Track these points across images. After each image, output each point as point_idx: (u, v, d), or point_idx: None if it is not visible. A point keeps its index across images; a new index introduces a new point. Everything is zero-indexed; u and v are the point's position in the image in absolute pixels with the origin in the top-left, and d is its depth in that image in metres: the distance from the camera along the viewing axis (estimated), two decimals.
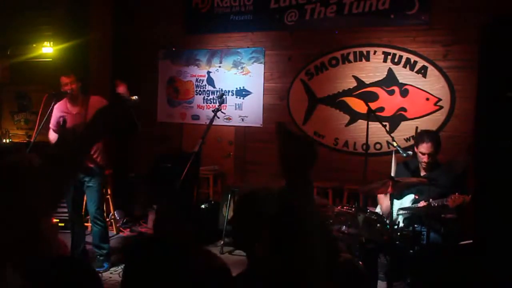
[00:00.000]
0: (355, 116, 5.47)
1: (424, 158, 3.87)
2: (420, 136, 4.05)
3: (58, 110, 4.47)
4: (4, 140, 6.59)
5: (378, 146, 5.36)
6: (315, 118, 5.69)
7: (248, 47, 6.02)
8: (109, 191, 5.60)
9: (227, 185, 5.91)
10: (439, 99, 5.12)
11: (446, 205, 3.53)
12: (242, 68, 6.05)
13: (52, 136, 4.52)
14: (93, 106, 4.39)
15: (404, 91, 5.26)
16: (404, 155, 3.96)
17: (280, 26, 5.79)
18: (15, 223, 1.66)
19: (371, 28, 5.40)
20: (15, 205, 1.64)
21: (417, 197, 3.83)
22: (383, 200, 4.00)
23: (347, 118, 5.52)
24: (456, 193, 3.53)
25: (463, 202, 3.49)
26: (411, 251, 3.52)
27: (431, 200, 3.56)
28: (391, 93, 5.31)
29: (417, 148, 3.96)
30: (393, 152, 4.05)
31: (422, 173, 3.97)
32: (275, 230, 1.52)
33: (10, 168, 1.75)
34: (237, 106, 6.08)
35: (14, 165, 1.77)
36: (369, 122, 4.39)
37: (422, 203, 3.70)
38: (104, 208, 5.20)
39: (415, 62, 5.19)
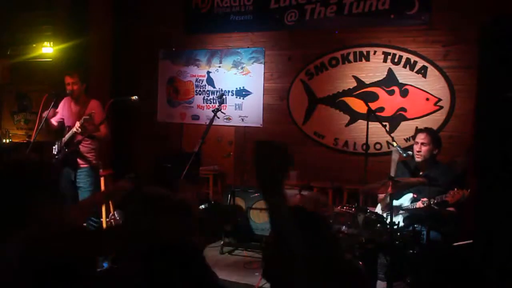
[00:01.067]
0: (355, 116, 5.47)
1: (417, 148, 3.91)
2: (418, 130, 4.21)
3: (63, 105, 4.65)
4: (4, 140, 6.59)
5: (378, 146, 5.36)
6: (315, 118, 5.69)
7: (248, 47, 6.01)
8: None
9: (227, 185, 5.91)
10: (439, 99, 5.11)
11: (445, 200, 3.53)
12: (242, 68, 6.05)
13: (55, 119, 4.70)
14: (91, 109, 4.45)
15: (404, 91, 5.25)
16: (404, 155, 3.97)
17: (280, 26, 5.79)
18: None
19: (371, 28, 5.40)
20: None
21: (415, 195, 3.83)
22: (381, 198, 4.04)
23: (347, 118, 5.52)
24: (455, 188, 3.53)
25: (462, 196, 3.49)
26: (411, 251, 3.52)
27: (431, 199, 3.56)
28: (391, 93, 5.31)
29: (414, 143, 4.03)
30: (392, 152, 4.10)
31: (421, 172, 3.98)
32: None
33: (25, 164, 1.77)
34: (237, 106, 6.07)
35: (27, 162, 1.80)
36: (369, 122, 4.39)
37: (420, 203, 3.69)
38: (104, 208, 5.21)
39: (415, 62, 5.19)
